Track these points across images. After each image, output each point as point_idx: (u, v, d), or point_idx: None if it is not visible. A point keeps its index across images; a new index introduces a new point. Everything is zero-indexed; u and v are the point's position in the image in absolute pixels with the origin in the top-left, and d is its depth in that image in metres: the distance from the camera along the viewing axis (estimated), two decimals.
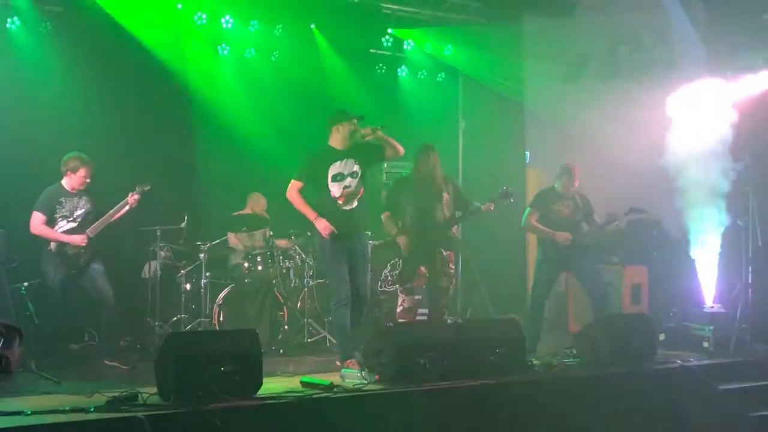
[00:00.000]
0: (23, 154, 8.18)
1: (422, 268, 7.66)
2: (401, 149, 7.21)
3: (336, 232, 6.91)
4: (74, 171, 7.25)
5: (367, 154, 7.18)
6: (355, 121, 7.09)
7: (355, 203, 7.09)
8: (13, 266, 7.06)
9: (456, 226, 8.19)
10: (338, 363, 6.89)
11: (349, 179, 7.03)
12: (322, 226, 6.88)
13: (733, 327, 8.06)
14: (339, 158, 7.04)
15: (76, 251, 7.19)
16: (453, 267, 7.82)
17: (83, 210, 7.29)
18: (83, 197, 7.32)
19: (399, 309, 7.83)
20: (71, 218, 7.24)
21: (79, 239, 7.17)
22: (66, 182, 7.28)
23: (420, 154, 7.74)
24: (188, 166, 9.15)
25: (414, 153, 7.76)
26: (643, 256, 9.39)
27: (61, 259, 7.17)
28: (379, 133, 7.13)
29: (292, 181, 7.04)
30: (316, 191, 7.08)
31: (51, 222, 7.19)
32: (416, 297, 7.84)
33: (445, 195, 7.71)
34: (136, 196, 7.31)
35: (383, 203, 8.02)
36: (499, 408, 6.27)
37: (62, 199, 7.25)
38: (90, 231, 7.22)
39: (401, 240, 7.64)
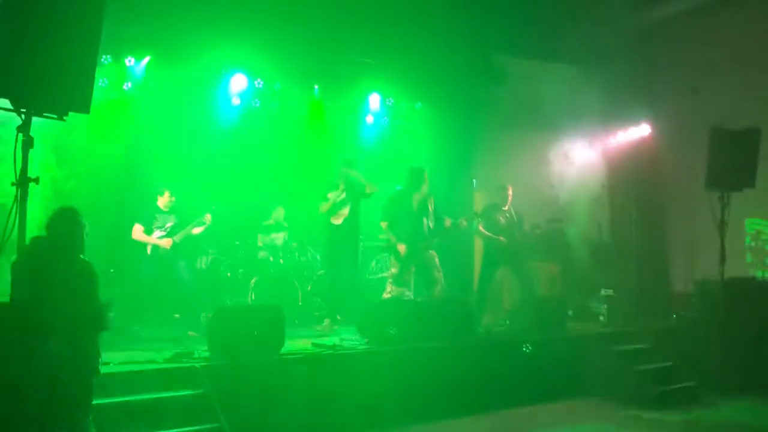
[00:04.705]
0: (132, 184, 8.02)
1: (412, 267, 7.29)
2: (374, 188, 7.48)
3: None
4: (161, 194, 7.34)
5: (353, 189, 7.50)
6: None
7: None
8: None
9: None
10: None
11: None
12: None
13: (621, 306, 8.19)
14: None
15: (164, 252, 7.23)
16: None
17: (171, 223, 7.33)
18: (172, 215, 7.37)
19: (386, 295, 7.23)
20: (163, 229, 7.31)
21: (165, 243, 7.22)
22: (159, 203, 7.36)
23: (416, 176, 7.26)
24: (231, 189, 8.86)
25: (409, 173, 7.30)
26: (557, 256, 9.47)
27: (155, 258, 7.23)
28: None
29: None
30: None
31: (149, 231, 7.25)
32: (403, 290, 7.25)
33: (430, 208, 7.32)
34: (209, 216, 7.38)
35: (382, 213, 7.35)
36: (453, 360, 6.41)
37: (157, 215, 7.33)
38: (176, 237, 7.27)
39: (401, 247, 7.12)
